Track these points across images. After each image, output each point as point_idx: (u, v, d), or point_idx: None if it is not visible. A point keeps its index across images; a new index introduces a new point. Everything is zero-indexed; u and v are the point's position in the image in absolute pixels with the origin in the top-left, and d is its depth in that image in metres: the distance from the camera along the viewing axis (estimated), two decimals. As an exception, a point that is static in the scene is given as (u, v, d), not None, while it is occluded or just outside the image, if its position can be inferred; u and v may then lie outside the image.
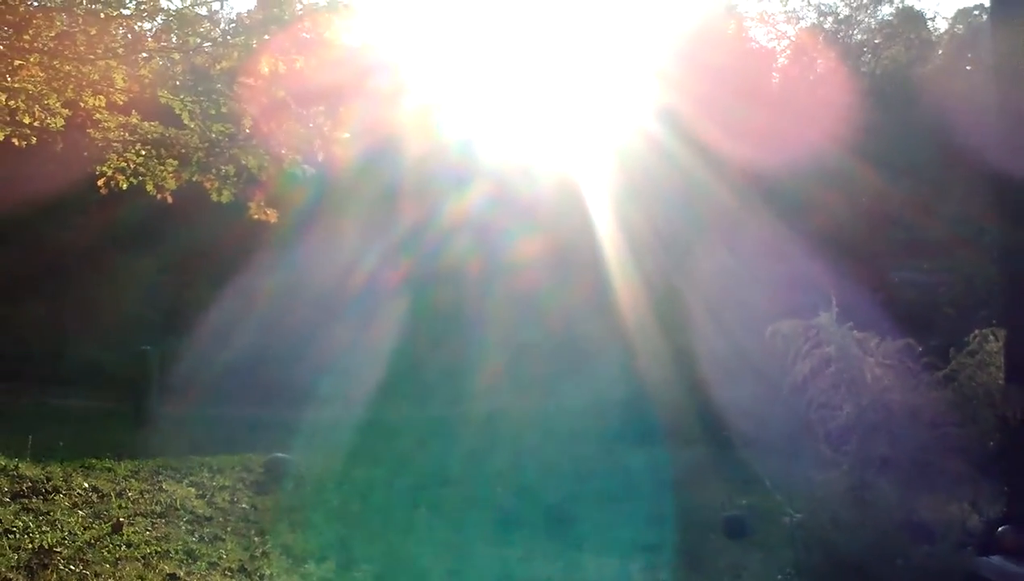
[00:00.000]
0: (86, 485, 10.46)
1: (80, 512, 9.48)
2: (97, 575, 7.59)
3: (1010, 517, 8.85)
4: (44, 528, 8.69)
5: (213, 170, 9.74)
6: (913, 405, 9.07)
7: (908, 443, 8.93)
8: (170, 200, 10.01)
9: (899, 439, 8.95)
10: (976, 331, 10.29)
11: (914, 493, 8.98)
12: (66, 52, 8.88)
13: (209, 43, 9.30)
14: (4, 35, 8.67)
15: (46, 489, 10.03)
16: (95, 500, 10.05)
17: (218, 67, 9.14)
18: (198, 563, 8.46)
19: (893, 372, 9.09)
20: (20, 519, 8.88)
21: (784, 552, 9.41)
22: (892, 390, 9.03)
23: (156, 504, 10.18)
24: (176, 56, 9.65)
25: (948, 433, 9.18)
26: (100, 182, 9.86)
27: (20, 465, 10.73)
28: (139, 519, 9.52)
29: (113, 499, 10.15)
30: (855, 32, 30.05)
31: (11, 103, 9.25)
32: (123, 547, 8.50)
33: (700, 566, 9.74)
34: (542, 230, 20.15)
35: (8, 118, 9.50)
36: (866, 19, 30.16)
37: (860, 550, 8.52)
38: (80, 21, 8.63)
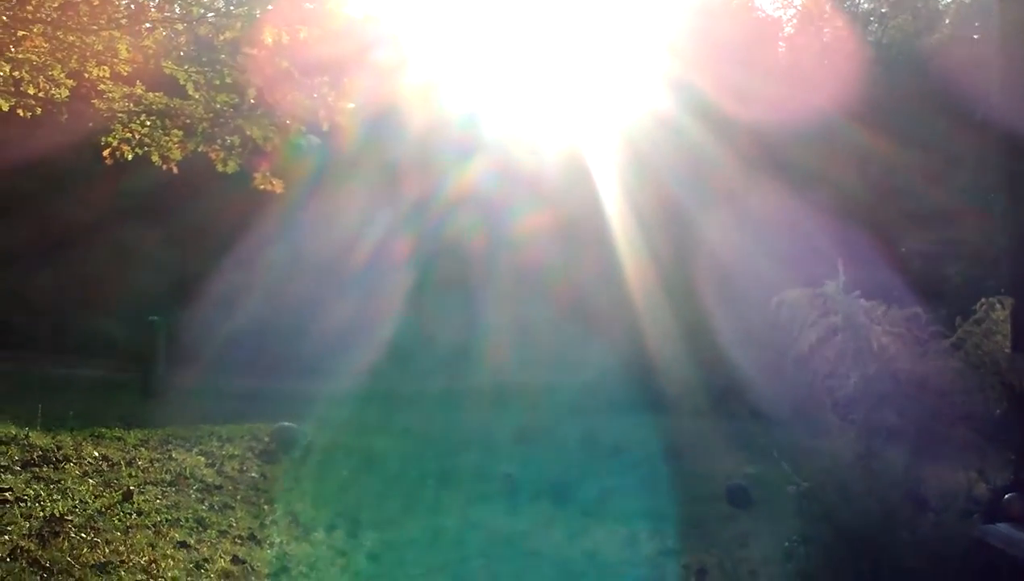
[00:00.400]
0: (96, 454, 10.53)
1: (91, 480, 9.53)
2: (108, 543, 7.63)
3: (1017, 484, 8.84)
4: (55, 496, 8.74)
5: (218, 141, 9.74)
6: (920, 374, 9.05)
7: (915, 412, 8.92)
8: (175, 171, 10.01)
9: (906, 408, 8.94)
10: (983, 299, 10.27)
11: (921, 462, 8.97)
12: (69, 23, 8.87)
13: (212, 13, 9.27)
14: (7, 6, 8.64)
15: (56, 458, 10.09)
16: (105, 469, 10.11)
17: (222, 37, 9.11)
18: (208, 531, 8.53)
19: (900, 341, 9.06)
20: (31, 488, 8.93)
21: (790, 521, 9.43)
22: (899, 359, 9.01)
23: (166, 473, 10.24)
24: (180, 27, 9.63)
25: (955, 402, 9.17)
26: (105, 153, 9.85)
27: (31, 434, 10.79)
28: (149, 487, 9.58)
29: (123, 468, 10.21)
30: (862, 0, 29.82)
31: (15, 74, 9.25)
32: (134, 515, 8.56)
33: (706, 535, 9.80)
34: (548, 203, 20.10)
35: (12, 89, 9.50)
36: (873, -13, 29.91)
37: (866, 519, 8.54)
38: (84, -9, 8.60)
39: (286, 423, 12.84)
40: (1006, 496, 8.50)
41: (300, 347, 18.10)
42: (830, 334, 9.25)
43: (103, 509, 8.60)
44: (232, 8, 9.43)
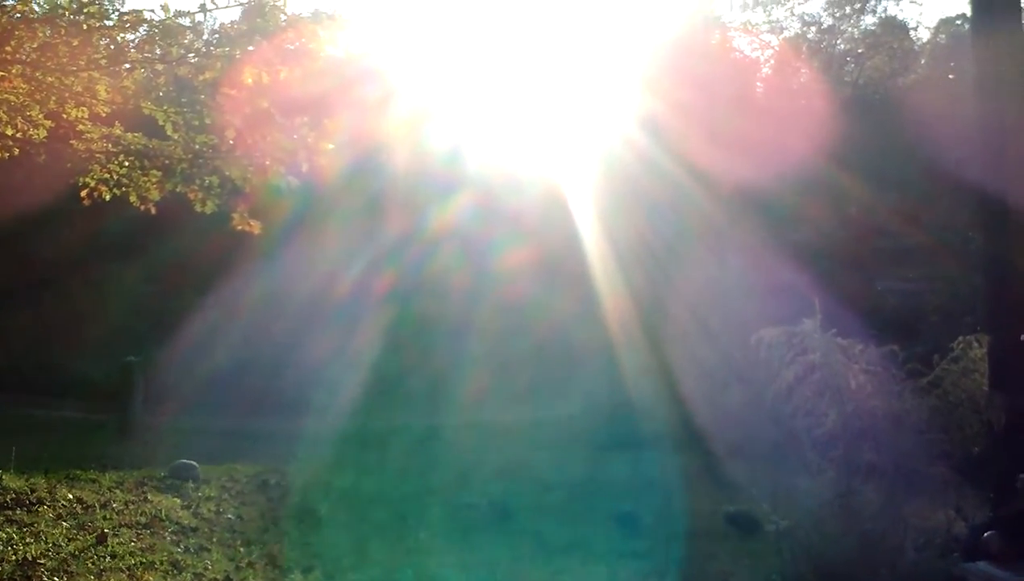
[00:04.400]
0: (70, 496, 10.41)
1: (64, 524, 9.43)
2: (81, 587, 7.54)
3: (996, 523, 8.88)
4: (28, 540, 8.65)
5: (197, 181, 9.71)
6: (898, 412, 9.10)
7: (893, 450, 8.96)
8: (153, 211, 9.98)
9: (884, 446, 8.97)
10: (960, 338, 10.35)
11: (900, 500, 9.00)
12: (48, 63, 8.86)
13: (192, 54, 9.27)
14: (-14, 46, 8.64)
15: (30, 500, 9.98)
16: (79, 511, 10.00)
17: (201, 78, 9.10)
18: (183, 574, 8.42)
19: (877, 379, 9.12)
20: (4, 531, 8.83)
21: (770, 559, 9.42)
22: (876, 397, 9.06)
23: (141, 515, 10.13)
24: (159, 67, 9.61)
25: (933, 439, 9.22)
26: (83, 193, 9.81)
27: (4, 476, 10.66)
28: (124, 530, 9.47)
29: (98, 510, 10.10)
30: (838, 42, 30.24)
31: (-7, 114, 9.22)
32: (108, 558, 8.45)
33: (687, 573, 9.74)
34: (528, 240, 20.17)
35: (-10, 130, 9.47)
36: (849, 29, 30.37)
37: (846, 558, 8.54)
38: (63, 32, 8.59)
39: (263, 464, 12.73)
40: (985, 534, 8.53)
41: (279, 386, 18.01)
42: (808, 372, 9.29)
43: (77, 552, 8.51)
44: (212, 49, 9.45)
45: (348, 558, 9.59)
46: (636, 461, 14.36)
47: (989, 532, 8.70)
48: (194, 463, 12.43)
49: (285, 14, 8.74)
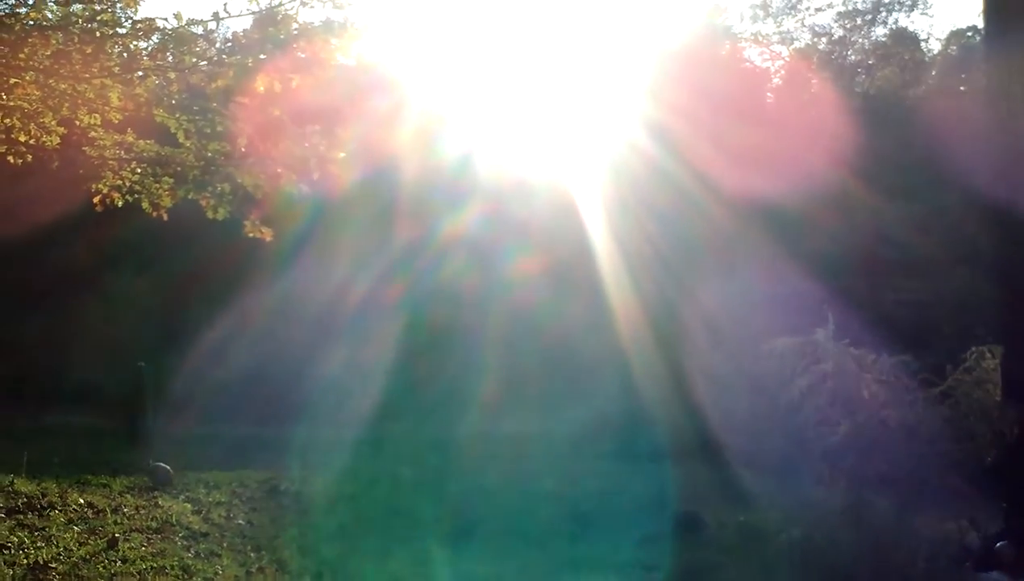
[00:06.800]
0: (81, 501, 10.45)
1: (75, 528, 9.45)
2: (92, 592, 7.55)
3: (1008, 533, 8.85)
4: (39, 544, 8.67)
5: (209, 189, 9.75)
6: (910, 422, 9.07)
7: (905, 460, 8.93)
8: (166, 218, 10.02)
9: (896, 456, 8.94)
10: (973, 348, 10.31)
11: (912, 510, 8.96)
12: (62, 71, 8.91)
13: (205, 62, 9.32)
14: (0, 54, 8.69)
15: (41, 505, 10.01)
16: (90, 516, 10.03)
17: (214, 86, 9.14)
18: (194, 579, 8.42)
19: (889, 389, 9.10)
20: (16, 535, 8.85)
21: (782, 570, 9.37)
22: (889, 407, 9.04)
23: (152, 520, 10.15)
24: (172, 75, 9.64)
25: (945, 450, 9.19)
26: (96, 200, 9.86)
27: (16, 481, 10.72)
28: (135, 535, 9.49)
29: (108, 515, 10.13)
30: (849, 53, 30.25)
31: (6, 121, 9.26)
32: (119, 563, 8.47)
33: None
34: (539, 248, 20.18)
35: (3, 136, 9.51)
36: (860, 40, 30.38)
37: (857, 568, 8.50)
38: (76, 40, 8.64)
39: (274, 471, 12.74)
40: (997, 544, 8.50)
41: (290, 394, 17.99)
42: (820, 382, 9.28)
43: (88, 557, 8.52)
44: (224, 57, 9.48)
45: (357, 566, 9.58)
46: (646, 471, 14.34)
47: (1001, 543, 8.67)
48: (167, 466, 12.39)
49: (297, 23, 8.78)
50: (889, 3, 30.66)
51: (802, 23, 30.83)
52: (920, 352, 10.85)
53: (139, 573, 8.26)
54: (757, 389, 11.14)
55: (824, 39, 30.28)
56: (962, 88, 26.27)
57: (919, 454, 9.00)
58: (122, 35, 8.96)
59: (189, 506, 11.06)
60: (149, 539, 9.43)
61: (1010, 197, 11.33)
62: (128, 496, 11.13)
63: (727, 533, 11.23)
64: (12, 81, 8.84)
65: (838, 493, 9.03)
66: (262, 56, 8.93)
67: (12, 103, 9.01)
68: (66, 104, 9.33)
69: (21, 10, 8.61)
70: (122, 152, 9.87)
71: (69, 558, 8.38)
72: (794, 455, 9.58)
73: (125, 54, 9.52)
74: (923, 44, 31.41)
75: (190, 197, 9.83)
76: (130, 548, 8.96)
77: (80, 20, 8.68)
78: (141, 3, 8.57)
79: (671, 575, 9.68)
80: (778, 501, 10.03)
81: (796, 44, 30.23)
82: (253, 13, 8.67)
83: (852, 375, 9.18)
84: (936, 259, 20.76)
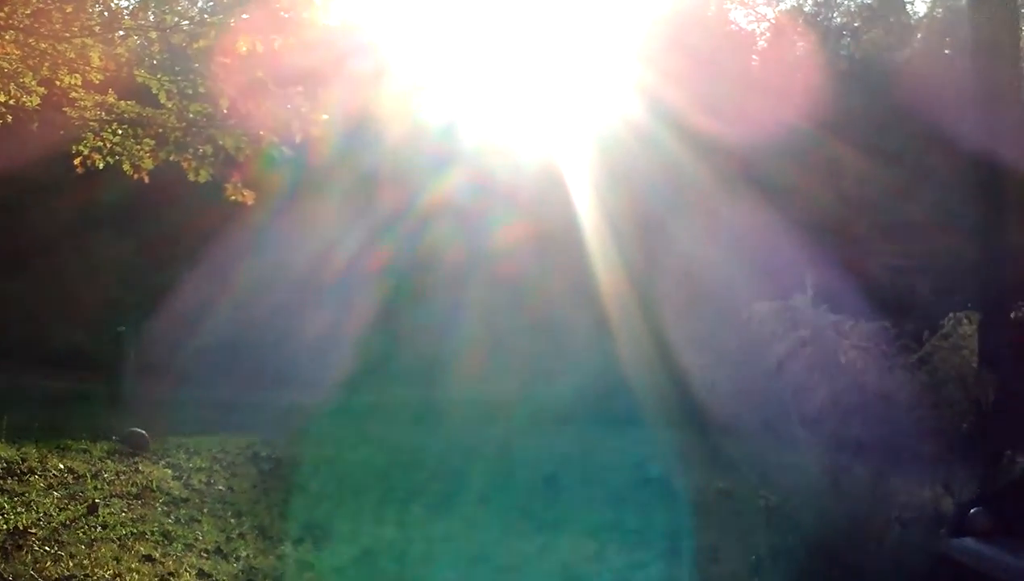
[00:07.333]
0: (61, 466, 10.43)
1: (55, 493, 9.43)
2: (72, 556, 7.54)
3: (982, 499, 8.91)
4: (19, 509, 8.64)
5: (190, 150, 9.70)
6: (887, 388, 9.10)
7: (882, 426, 8.97)
8: (147, 180, 9.96)
9: (873, 422, 8.99)
10: (950, 314, 10.35)
11: (888, 476, 9.02)
12: (42, 29, 8.82)
13: (186, 21, 9.22)
14: (-22, 13, 8.58)
15: (21, 470, 9.99)
16: (70, 481, 10.01)
17: (195, 46, 9.06)
18: (174, 544, 8.43)
19: (868, 355, 9.12)
20: (-6, 500, 8.83)
21: (759, 535, 9.45)
22: (866, 373, 9.07)
23: (132, 485, 10.15)
24: (153, 35, 9.54)
25: (922, 416, 9.23)
26: (77, 161, 9.81)
27: (-6, 446, 10.67)
28: (115, 500, 9.48)
29: (88, 480, 10.11)
30: (835, 15, 30.07)
31: (-15, 81, 9.17)
32: (98, 528, 8.46)
33: (676, 548, 9.77)
34: (523, 215, 20.14)
35: (-17, 96, 9.42)
36: (845, 2, 30.20)
37: (834, 532, 8.58)
38: (56, -1, 8.56)
39: (254, 435, 12.75)
40: (972, 511, 8.55)
41: (271, 358, 18.02)
42: (799, 347, 9.29)
43: (67, 522, 8.50)
44: (206, 17, 9.38)
45: (338, 529, 9.62)
46: (627, 437, 14.42)
47: (976, 509, 8.74)
48: (143, 431, 12.39)
49: (280, -19, 8.70)
50: (875, -35, 30.50)
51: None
52: (901, 318, 10.90)
53: (119, 539, 8.25)
54: (738, 354, 11.18)
55: (809, 1, 30.12)
56: (947, 51, 26.21)
57: (896, 420, 9.05)
58: (102, -7, 8.87)
59: (169, 471, 11.07)
60: (129, 504, 9.43)
61: (994, 161, 11.36)
62: (108, 461, 11.13)
63: (705, 497, 11.32)
64: (-9, 40, 8.74)
65: (816, 459, 9.08)
66: (244, 15, 8.85)
67: (-9, 63, 8.92)
68: (46, 64, 9.26)
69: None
70: (103, 113, 9.81)
71: (49, 523, 8.36)
72: (774, 421, 9.62)
73: (106, 13, 9.44)
74: (908, 6, 31.29)
75: (171, 159, 9.78)
76: (110, 513, 8.96)
77: (60, -23, 8.59)
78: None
79: (647, 539, 9.74)
80: (757, 467, 10.08)
81: (782, 5, 30.05)
82: (235, -29, 8.59)
83: (830, 341, 9.20)
84: (918, 224, 20.80)
